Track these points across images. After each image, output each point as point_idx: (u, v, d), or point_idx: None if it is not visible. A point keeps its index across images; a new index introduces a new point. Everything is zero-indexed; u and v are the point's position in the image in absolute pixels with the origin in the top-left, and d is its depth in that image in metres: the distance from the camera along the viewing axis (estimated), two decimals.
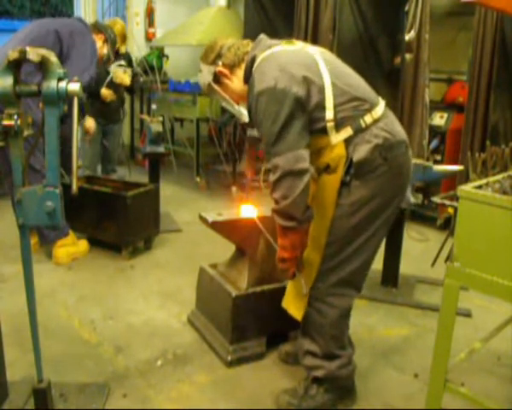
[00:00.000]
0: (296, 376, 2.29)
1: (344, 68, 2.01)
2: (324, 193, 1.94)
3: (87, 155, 4.76)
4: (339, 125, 1.87)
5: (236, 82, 2.07)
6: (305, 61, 1.90)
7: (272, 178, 1.83)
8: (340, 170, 1.89)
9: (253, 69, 1.95)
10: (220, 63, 2.05)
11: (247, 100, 2.02)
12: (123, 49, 4.90)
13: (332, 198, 1.92)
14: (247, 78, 2.01)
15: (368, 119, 1.89)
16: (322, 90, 1.85)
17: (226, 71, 2.05)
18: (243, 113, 2.15)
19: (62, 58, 3.15)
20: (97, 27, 3.72)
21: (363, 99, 1.90)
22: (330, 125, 1.86)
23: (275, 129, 1.80)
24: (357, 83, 1.97)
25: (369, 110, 1.90)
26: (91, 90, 4.43)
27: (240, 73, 2.05)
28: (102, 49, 3.72)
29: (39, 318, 1.90)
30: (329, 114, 1.86)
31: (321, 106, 1.85)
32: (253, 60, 1.98)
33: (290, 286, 2.17)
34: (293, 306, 2.13)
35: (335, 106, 1.86)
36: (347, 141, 1.88)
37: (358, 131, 1.87)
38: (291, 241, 1.91)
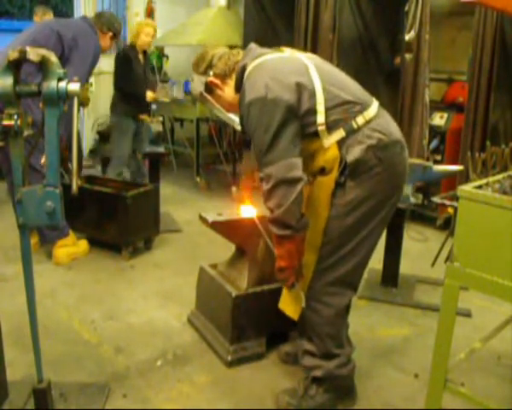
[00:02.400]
0: (296, 376, 2.29)
1: (334, 71, 2.02)
2: (319, 194, 1.94)
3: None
4: (330, 128, 1.87)
5: (228, 91, 2.07)
6: (296, 67, 1.91)
7: (265, 187, 1.83)
8: (334, 171, 1.89)
9: (244, 78, 1.95)
10: (211, 73, 2.06)
11: (238, 109, 2.01)
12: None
13: (327, 199, 1.92)
14: (238, 87, 2.00)
15: (360, 120, 1.89)
16: (313, 94, 1.85)
17: (217, 81, 2.06)
18: (235, 120, 2.17)
19: (63, 60, 3.14)
20: (104, 25, 3.63)
21: (354, 101, 1.91)
22: (322, 128, 1.87)
23: (267, 138, 1.80)
24: (348, 85, 1.98)
25: (361, 111, 1.90)
26: (129, 90, 4.58)
27: (231, 82, 2.06)
28: (111, 45, 3.72)
29: (39, 318, 1.90)
30: (321, 118, 1.86)
31: (312, 111, 1.86)
32: (243, 69, 1.98)
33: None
34: (291, 306, 2.13)
35: (327, 109, 1.86)
36: (340, 142, 1.88)
37: (350, 132, 1.87)
38: (287, 250, 1.90)
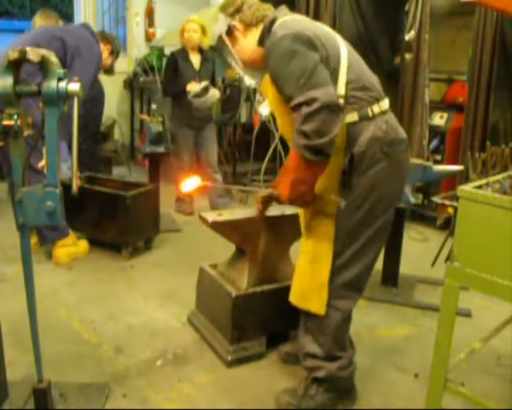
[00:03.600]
0: (296, 376, 2.29)
1: (357, 55, 2.01)
2: (327, 185, 1.91)
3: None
4: (347, 105, 1.86)
5: (249, 41, 2.05)
6: (326, 33, 1.92)
7: (306, 110, 1.73)
8: (338, 159, 1.87)
9: (272, 30, 1.91)
10: (237, 18, 2.04)
11: (260, 61, 1.99)
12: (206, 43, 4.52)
13: (334, 188, 1.90)
14: (262, 39, 1.98)
15: (375, 108, 1.89)
16: (338, 62, 1.85)
17: (241, 27, 2.04)
18: (245, 72, 2.12)
19: (65, 67, 3.14)
20: (106, 37, 3.74)
21: (373, 86, 1.92)
22: (341, 102, 1.84)
23: (308, 63, 1.76)
24: (369, 72, 1.99)
25: (378, 100, 1.91)
26: (172, 96, 4.39)
27: (255, 32, 2.03)
28: (108, 59, 3.76)
29: (39, 318, 1.91)
30: (341, 89, 1.85)
31: (336, 75, 1.85)
32: (272, 22, 1.96)
33: (304, 280, 2.07)
34: (314, 301, 2.03)
35: (347, 83, 1.85)
36: (350, 125, 1.86)
37: (364, 118, 1.87)
38: (314, 174, 1.85)
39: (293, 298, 2.12)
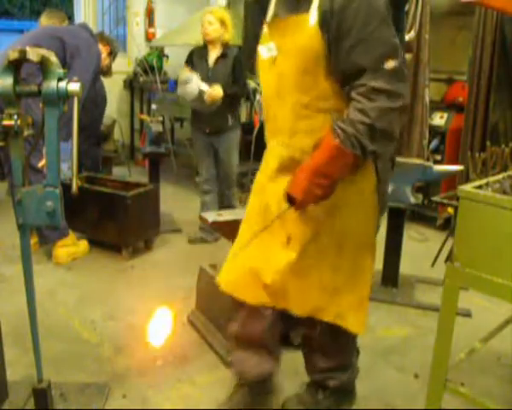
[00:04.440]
0: (296, 376, 2.29)
1: None
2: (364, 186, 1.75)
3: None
4: None
5: None
6: None
7: (388, 104, 1.46)
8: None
9: None
10: None
11: None
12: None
13: (372, 193, 1.77)
14: None
15: None
16: None
17: None
18: None
19: (64, 67, 3.15)
20: (105, 39, 3.81)
21: None
22: None
23: (399, 45, 1.49)
24: None
25: None
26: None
27: None
28: (106, 60, 3.80)
29: (39, 318, 1.91)
30: None
31: None
32: None
33: (342, 298, 1.83)
34: (350, 319, 1.83)
35: None
36: None
37: None
38: (352, 170, 1.62)
39: (328, 316, 1.83)
